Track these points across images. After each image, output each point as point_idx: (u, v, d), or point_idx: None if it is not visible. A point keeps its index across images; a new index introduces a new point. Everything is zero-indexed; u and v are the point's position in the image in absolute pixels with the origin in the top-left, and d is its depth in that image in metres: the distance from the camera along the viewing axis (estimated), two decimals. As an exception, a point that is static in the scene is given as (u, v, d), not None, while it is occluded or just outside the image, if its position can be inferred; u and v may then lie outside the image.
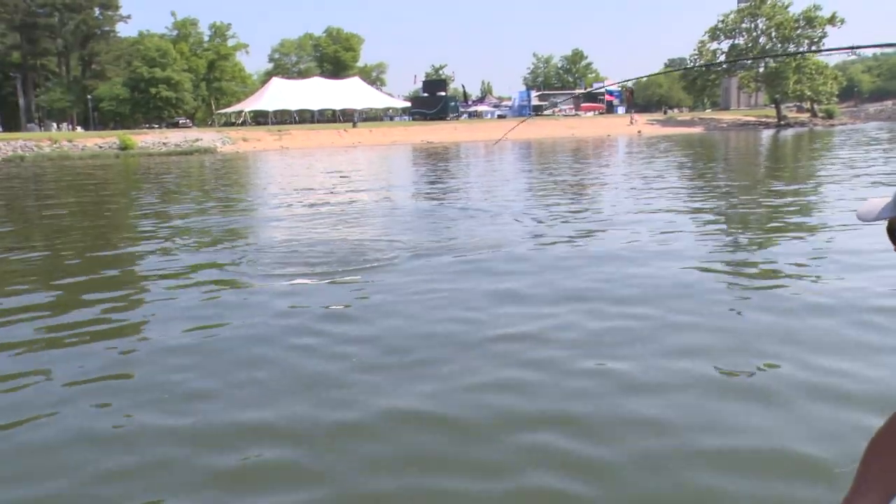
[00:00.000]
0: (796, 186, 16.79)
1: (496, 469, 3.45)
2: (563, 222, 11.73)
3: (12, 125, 69.40)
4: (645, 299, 6.34)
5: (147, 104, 77.11)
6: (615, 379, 4.52)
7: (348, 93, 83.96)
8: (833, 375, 4.42)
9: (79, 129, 71.24)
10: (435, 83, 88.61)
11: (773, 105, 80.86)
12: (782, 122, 74.54)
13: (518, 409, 4.09)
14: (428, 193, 17.73)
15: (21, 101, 75.35)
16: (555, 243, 9.58)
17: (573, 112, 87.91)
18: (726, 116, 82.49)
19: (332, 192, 18.62)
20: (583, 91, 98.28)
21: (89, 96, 76.90)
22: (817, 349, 4.92)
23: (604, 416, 3.99)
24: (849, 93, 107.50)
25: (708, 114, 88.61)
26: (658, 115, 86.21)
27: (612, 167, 26.95)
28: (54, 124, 73.44)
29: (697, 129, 70.18)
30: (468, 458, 3.56)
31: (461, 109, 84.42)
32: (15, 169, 39.33)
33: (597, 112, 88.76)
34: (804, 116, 79.61)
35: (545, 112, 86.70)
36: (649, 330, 5.48)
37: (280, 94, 79.77)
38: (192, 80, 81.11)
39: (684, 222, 11.29)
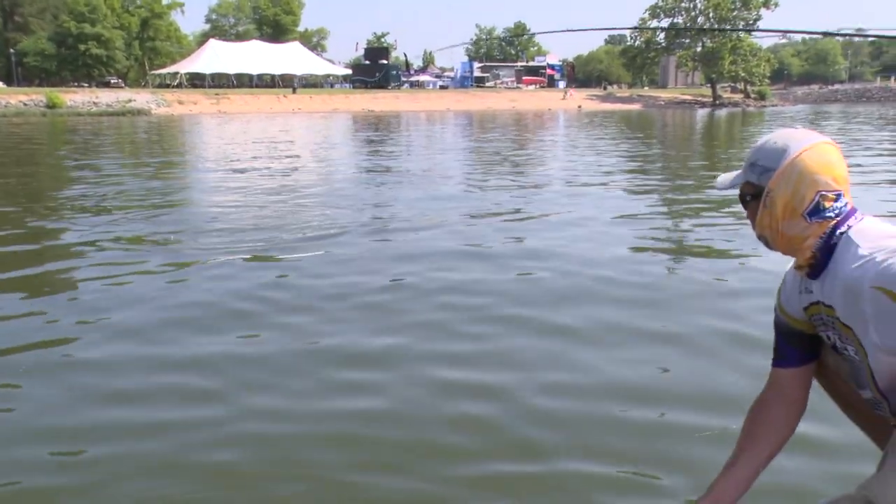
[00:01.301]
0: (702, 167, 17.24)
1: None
2: (501, 197, 11.80)
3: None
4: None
5: (75, 61, 74.12)
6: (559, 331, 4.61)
7: (288, 58, 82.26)
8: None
9: (1, 84, 68.08)
10: (377, 51, 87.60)
11: (708, 84, 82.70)
12: (717, 102, 76.27)
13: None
14: (366, 165, 17.58)
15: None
16: (486, 216, 9.61)
17: (515, 85, 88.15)
18: (664, 94, 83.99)
19: (270, 161, 18.26)
20: (524, 64, 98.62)
21: (12, 50, 73.43)
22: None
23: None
24: (780, 75, 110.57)
25: (646, 91, 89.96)
26: (598, 91, 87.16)
27: (550, 140, 27.19)
28: (-26, 80, 70.06)
29: (636, 106, 71.31)
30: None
31: (403, 79, 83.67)
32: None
33: (538, 86, 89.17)
34: (738, 97, 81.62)
35: (487, 84, 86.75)
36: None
37: (217, 57, 77.60)
38: (124, 38, 78.30)
39: (608, 195, 11.50)
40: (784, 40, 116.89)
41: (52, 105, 48.50)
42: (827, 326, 1.80)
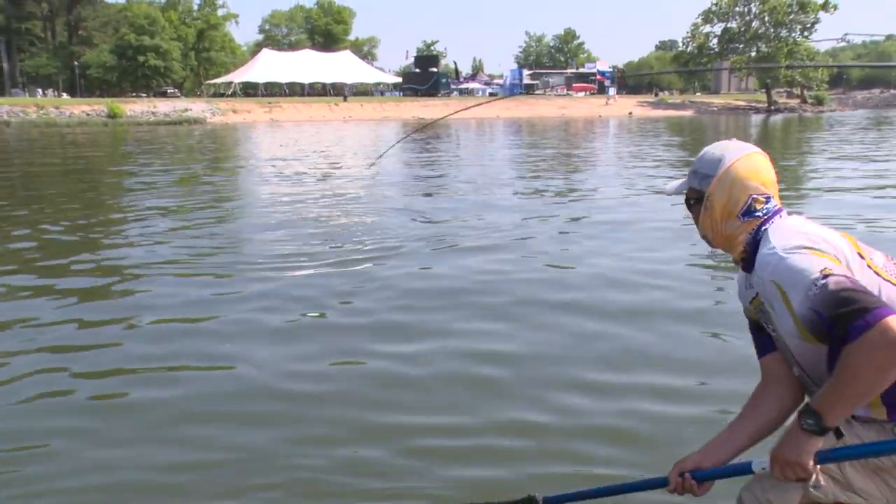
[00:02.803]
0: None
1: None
2: (547, 206, 11.91)
3: (-4, 90, 68.70)
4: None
5: (135, 72, 76.49)
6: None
7: (339, 66, 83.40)
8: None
9: (65, 95, 70.44)
10: (427, 59, 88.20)
11: (763, 90, 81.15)
12: (772, 108, 74.81)
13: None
14: (422, 176, 17.78)
15: (5, 66, 74.43)
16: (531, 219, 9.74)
17: (564, 92, 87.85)
18: (717, 100, 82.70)
19: (320, 171, 18.57)
20: (574, 71, 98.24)
21: (76, 63, 76.05)
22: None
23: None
24: (839, 80, 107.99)
25: (699, 97, 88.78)
26: (649, 97, 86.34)
27: (601, 149, 27.12)
28: (39, 90, 72.58)
29: (688, 112, 70.41)
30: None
31: (452, 86, 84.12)
32: (4, 132, 39.07)
33: (588, 92, 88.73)
34: (794, 102, 79.94)
35: (536, 91, 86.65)
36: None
37: (270, 66, 79.13)
38: (181, 49, 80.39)
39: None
40: (843, 43, 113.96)
41: (113, 115, 50.05)
42: (764, 314, 1.98)
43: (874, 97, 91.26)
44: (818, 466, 1.82)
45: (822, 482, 1.89)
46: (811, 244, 1.81)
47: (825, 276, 1.69)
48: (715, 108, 74.62)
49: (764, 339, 2.06)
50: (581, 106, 72.57)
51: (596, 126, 46.85)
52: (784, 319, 1.83)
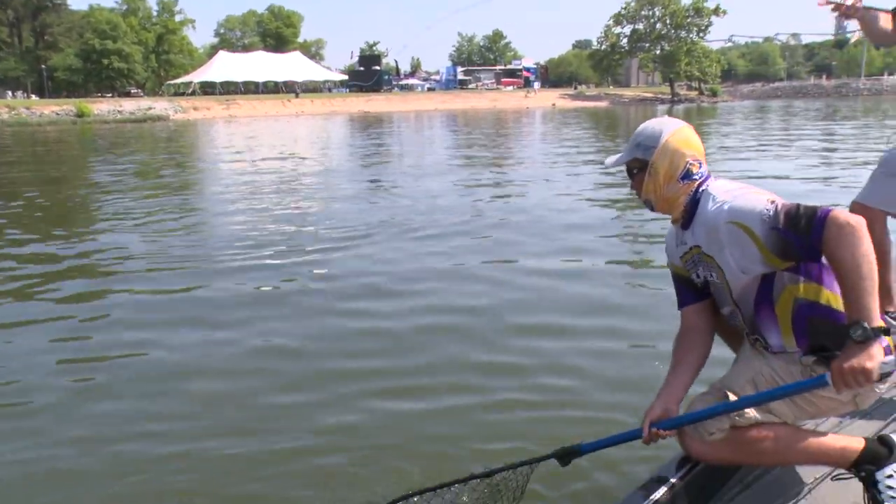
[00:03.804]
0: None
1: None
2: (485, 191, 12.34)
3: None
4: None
5: (100, 74, 73.97)
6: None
7: (290, 66, 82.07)
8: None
9: (33, 97, 67.68)
10: (370, 58, 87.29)
11: (667, 83, 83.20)
12: (675, 98, 76.72)
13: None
14: (368, 165, 17.97)
15: (-26, 70, 71.10)
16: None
17: (494, 86, 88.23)
18: (628, 92, 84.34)
19: (281, 162, 18.39)
20: (503, 67, 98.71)
21: (43, 66, 73.11)
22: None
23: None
24: (728, 75, 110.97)
25: (612, 90, 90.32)
26: (569, 90, 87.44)
27: (530, 137, 27.66)
28: (9, 92, 69.62)
29: (604, 103, 71.65)
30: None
31: (394, 83, 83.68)
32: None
33: (515, 87, 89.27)
34: (693, 94, 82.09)
35: (470, 86, 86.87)
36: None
37: (226, 67, 77.38)
38: (142, 52, 77.94)
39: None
40: (730, 44, 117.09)
41: (81, 114, 48.42)
42: (696, 265, 2.13)
43: (757, 90, 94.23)
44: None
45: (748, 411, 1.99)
46: (748, 188, 2.04)
47: (772, 203, 1.89)
48: (626, 100, 76.10)
49: (684, 290, 2.20)
50: (510, 98, 73.15)
51: (523, 116, 47.50)
52: (743, 253, 1.94)
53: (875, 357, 1.75)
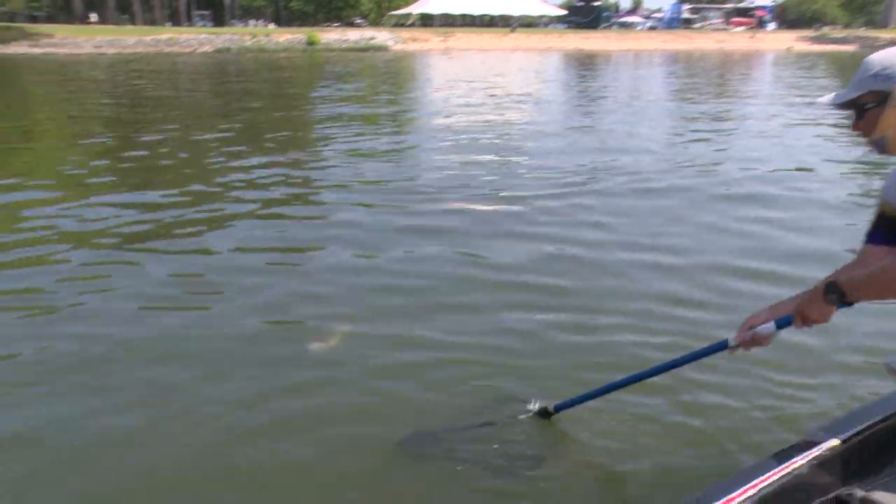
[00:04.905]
0: None
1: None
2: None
3: (219, 21, 73.32)
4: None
5: (329, 4, 79.18)
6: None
7: (507, 0, 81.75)
8: None
9: (271, 25, 73.87)
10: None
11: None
12: (945, 44, 66.11)
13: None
14: (586, 107, 17.57)
15: (227, 1, 78.93)
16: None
17: (722, 26, 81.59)
18: (885, 35, 74.00)
19: (493, 98, 18.36)
20: (734, 5, 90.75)
21: (280, -4, 79.65)
22: None
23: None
24: None
25: (864, 32, 79.74)
26: (810, 32, 78.54)
27: (760, 83, 25.47)
28: (251, 21, 76.65)
29: (851, 47, 63.67)
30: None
31: (613, 20, 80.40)
32: (226, 56, 41.99)
33: (747, 27, 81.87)
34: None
35: (695, 26, 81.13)
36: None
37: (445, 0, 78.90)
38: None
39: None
40: None
41: (310, 42, 52.07)
42: None
43: None
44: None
45: None
46: None
47: None
48: (881, 43, 66.76)
49: (886, 234, 2.06)
50: (738, 39, 67.35)
51: (753, 59, 43.62)
52: None
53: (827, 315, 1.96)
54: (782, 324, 2.08)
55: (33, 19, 64.29)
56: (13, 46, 45.79)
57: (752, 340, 2.12)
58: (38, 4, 70.89)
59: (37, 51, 45.31)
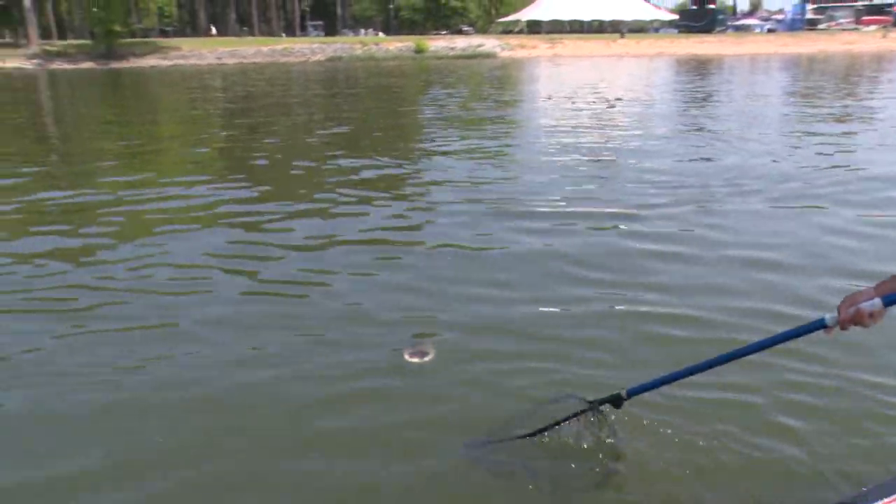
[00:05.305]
0: None
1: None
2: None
3: (331, 30, 76.36)
4: None
5: (438, 13, 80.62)
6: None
7: (618, 4, 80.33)
8: None
9: (380, 34, 76.09)
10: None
11: None
12: None
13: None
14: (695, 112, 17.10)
15: (339, 11, 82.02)
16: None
17: (853, 25, 76.56)
18: None
19: (595, 105, 18.28)
20: (866, 3, 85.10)
21: (390, 6, 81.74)
22: None
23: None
24: None
25: None
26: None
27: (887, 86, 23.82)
28: (362, 30, 79.24)
29: None
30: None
31: (728, 23, 77.37)
32: (337, 65, 43.66)
33: (882, 26, 76.30)
34: None
35: (820, 27, 76.77)
36: None
37: (553, 5, 78.42)
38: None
39: None
40: None
41: (419, 50, 53.25)
42: None
43: None
44: None
45: None
46: None
47: None
48: None
49: None
50: (870, 40, 63.06)
51: (885, 61, 40.75)
52: None
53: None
54: (890, 301, 1.85)
55: (164, 34, 69.21)
56: (147, 59, 49.54)
57: (854, 318, 1.87)
58: (169, 20, 76.28)
59: (165, 63, 48.81)
